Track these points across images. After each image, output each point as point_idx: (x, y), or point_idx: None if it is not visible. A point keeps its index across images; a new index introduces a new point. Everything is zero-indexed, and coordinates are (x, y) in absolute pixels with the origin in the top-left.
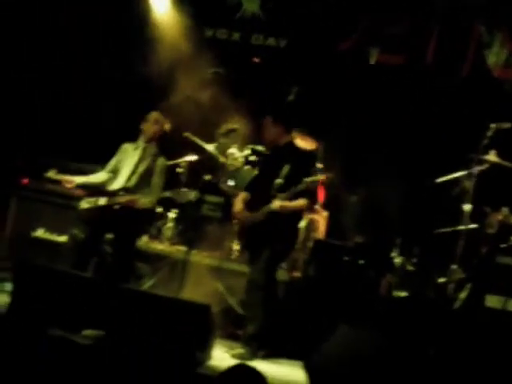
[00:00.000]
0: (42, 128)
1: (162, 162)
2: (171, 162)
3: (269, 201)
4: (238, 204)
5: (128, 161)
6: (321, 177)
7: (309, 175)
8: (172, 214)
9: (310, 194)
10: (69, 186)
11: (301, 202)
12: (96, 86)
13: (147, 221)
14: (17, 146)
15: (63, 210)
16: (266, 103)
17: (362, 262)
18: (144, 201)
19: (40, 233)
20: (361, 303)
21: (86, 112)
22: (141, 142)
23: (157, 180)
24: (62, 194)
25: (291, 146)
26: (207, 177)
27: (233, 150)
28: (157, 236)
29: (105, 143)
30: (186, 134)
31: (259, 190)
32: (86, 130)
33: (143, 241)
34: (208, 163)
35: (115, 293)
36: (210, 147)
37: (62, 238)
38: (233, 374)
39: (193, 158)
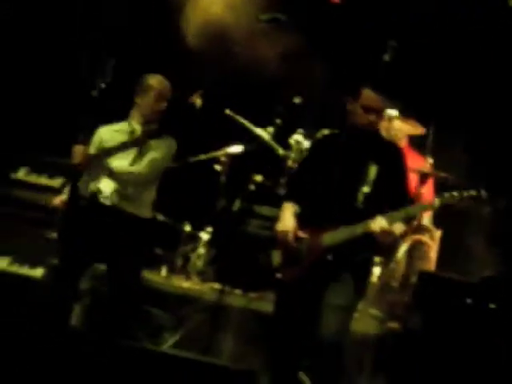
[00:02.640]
0: (9, 112)
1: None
2: (205, 156)
3: (348, 216)
4: (287, 217)
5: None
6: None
7: (404, 182)
8: (205, 235)
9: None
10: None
11: (399, 228)
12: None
13: (160, 242)
14: None
15: (39, 231)
16: (350, 65)
17: (492, 306)
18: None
19: (4, 264)
20: (490, 371)
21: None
22: (133, 122)
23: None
24: (38, 205)
25: (374, 133)
26: (258, 178)
27: (297, 137)
28: (182, 268)
29: None
30: (228, 113)
31: (324, 198)
32: (66, 111)
33: (160, 276)
34: (260, 157)
35: (118, 354)
36: (264, 133)
37: (36, 272)
38: None
39: (237, 149)
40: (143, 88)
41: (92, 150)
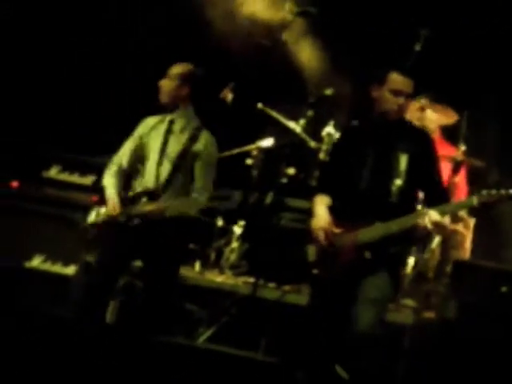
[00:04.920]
0: (41, 111)
1: (208, 138)
2: (237, 151)
3: (382, 212)
4: (321, 213)
5: (153, 142)
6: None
7: (436, 170)
8: (238, 229)
9: None
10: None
11: (448, 221)
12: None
13: (194, 237)
14: (6, 133)
15: (71, 229)
16: (381, 55)
17: None
18: (179, 206)
19: (37, 262)
20: None
21: (98, 88)
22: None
23: (204, 170)
24: (70, 204)
25: (405, 122)
26: (290, 170)
27: (329, 129)
28: (215, 263)
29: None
30: (260, 107)
31: (356, 193)
32: (99, 109)
33: (194, 271)
34: (292, 150)
35: (152, 350)
36: (295, 126)
37: (69, 270)
38: None
39: (269, 142)
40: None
41: (133, 142)
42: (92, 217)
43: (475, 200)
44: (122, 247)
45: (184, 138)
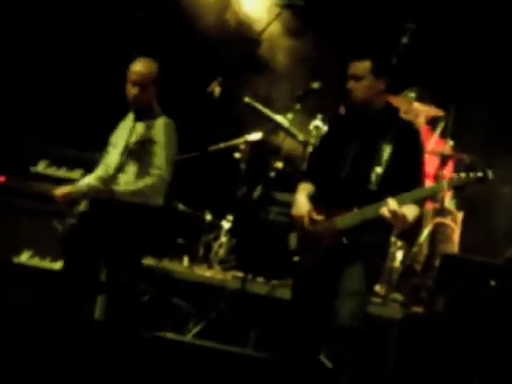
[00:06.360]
0: (28, 106)
1: (162, 121)
2: (224, 145)
3: (361, 198)
4: (302, 201)
5: (115, 138)
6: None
7: (418, 164)
8: (226, 224)
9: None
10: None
11: (413, 212)
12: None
13: (181, 232)
14: None
15: (58, 224)
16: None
17: None
18: (130, 185)
19: (25, 257)
20: None
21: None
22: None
23: (156, 151)
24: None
25: (392, 113)
26: (278, 164)
27: (317, 123)
28: (204, 258)
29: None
30: (247, 100)
31: (337, 179)
32: (87, 104)
33: (182, 266)
34: (280, 144)
35: (140, 345)
36: (283, 119)
37: (58, 265)
38: None
39: (257, 136)
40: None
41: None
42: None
43: (446, 184)
44: (84, 236)
45: (141, 127)
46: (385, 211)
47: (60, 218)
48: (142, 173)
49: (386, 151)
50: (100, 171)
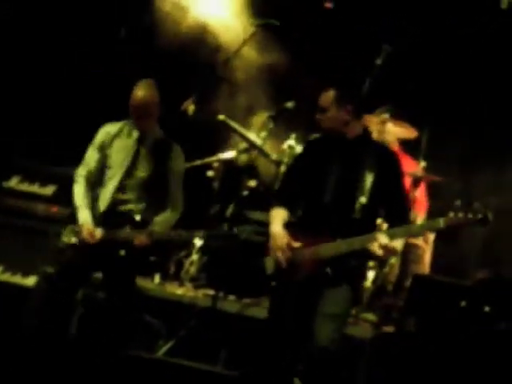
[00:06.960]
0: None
1: (179, 150)
2: (198, 162)
3: (344, 228)
4: (277, 230)
5: (116, 155)
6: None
7: (401, 190)
8: (198, 242)
9: None
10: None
11: (400, 244)
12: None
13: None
14: None
15: (31, 239)
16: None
17: (487, 309)
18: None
19: None
20: (485, 374)
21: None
22: (131, 127)
23: (177, 185)
24: (31, 214)
25: (367, 138)
26: (251, 183)
27: (291, 142)
28: (175, 275)
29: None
30: (221, 118)
31: (319, 208)
32: (60, 119)
33: (154, 283)
34: (253, 162)
35: (115, 362)
36: (256, 138)
37: (29, 281)
38: None
39: (230, 154)
40: None
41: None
42: (70, 238)
43: (442, 222)
44: (83, 259)
45: (155, 154)
46: (375, 247)
47: (34, 234)
48: (159, 201)
49: (369, 180)
50: (83, 171)
